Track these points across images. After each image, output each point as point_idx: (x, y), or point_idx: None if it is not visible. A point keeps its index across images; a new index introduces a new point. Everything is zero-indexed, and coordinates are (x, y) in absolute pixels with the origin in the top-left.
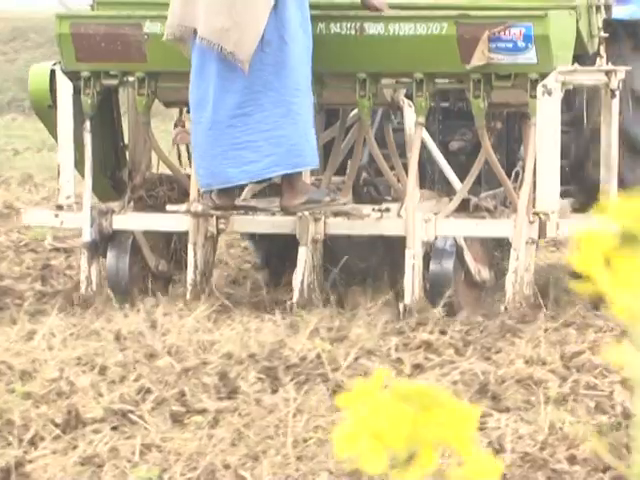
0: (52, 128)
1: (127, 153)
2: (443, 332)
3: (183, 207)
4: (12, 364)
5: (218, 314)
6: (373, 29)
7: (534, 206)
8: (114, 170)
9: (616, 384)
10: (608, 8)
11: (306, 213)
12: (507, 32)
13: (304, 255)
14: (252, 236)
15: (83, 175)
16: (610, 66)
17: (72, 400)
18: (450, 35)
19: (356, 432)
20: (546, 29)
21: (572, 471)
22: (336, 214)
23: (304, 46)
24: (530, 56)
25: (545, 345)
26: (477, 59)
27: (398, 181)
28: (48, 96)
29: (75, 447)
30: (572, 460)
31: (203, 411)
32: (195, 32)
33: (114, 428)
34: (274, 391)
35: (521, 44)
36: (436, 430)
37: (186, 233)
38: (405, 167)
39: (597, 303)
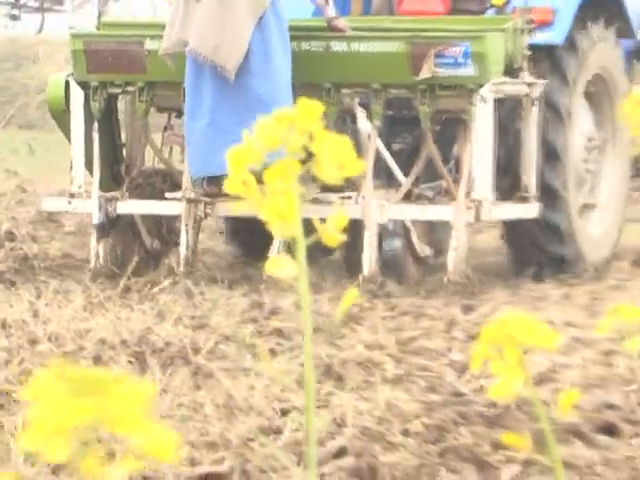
0: (66, 129)
1: (124, 150)
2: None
3: (179, 194)
4: None
5: (93, 305)
6: (337, 47)
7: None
8: (112, 164)
9: (446, 366)
10: (531, 32)
11: None
12: (450, 50)
13: (277, 241)
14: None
15: (90, 168)
16: (532, 79)
17: None
18: (402, 52)
19: (38, 422)
20: (482, 48)
21: (406, 443)
22: (306, 201)
23: (284, 59)
24: (469, 70)
25: (383, 331)
26: (425, 72)
27: None
28: (63, 102)
29: None
30: (406, 433)
31: None
32: (188, 48)
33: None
34: (142, 373)
35: (461, 60)
36: (110, 413)
37: (177, 217)
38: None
39: None
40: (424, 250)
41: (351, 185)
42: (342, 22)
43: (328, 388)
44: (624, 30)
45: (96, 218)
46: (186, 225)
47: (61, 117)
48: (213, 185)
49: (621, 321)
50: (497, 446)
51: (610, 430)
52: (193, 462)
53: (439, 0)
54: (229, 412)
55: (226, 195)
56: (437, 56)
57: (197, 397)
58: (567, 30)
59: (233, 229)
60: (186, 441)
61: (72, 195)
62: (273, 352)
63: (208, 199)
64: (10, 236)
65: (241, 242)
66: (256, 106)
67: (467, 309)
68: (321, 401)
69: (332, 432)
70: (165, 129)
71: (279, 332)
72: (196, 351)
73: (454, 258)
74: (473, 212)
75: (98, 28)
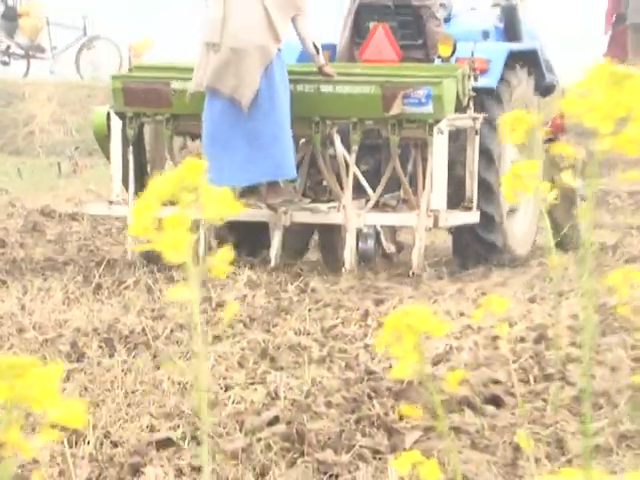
0: (107, 151)
1: (148, 166)
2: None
3: None
4: None
5: (70, 299)
6: (325, 88)
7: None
8: (141, 177)
9: (361, 349)
10: (476, 77)
11: (281, 207)
12: (415, 93)
13: (278, 236)
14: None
15: (126, 182)
16: (475, 114)
17: None
18: (376, 94)
19: None
20: (440, 91)
21: (328, 413)
22: (301, 209)
23: (284, 97)
24: (429, 108)
25: (309, 320)
26: (394, 110)
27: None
28: (105, 129)
29: None
30: (328, 405)
31: None
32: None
33: None
34: (111, 356)
35: (423, 100)
36: (33, 389)
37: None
38: (335, 179)
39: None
40: (390, 248)
41: (335, 197)
42: (330, 68)
43: (264, 368)
44: (538, 74)
45: (130, 220)
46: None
47: (103, 141)
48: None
49: (492, 311)
50: (402, 415)
51: (495, 401)
52: (153, 429)
53: (392, 51)
54: (182, 388)
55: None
56: (404, 97)
57: (156, 375)
58: (499, 76)
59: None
60: (147, 412)
61: (111, 202)
62: (218, 338)
63: None
64: (1, 243)
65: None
66: (262, 133)
67: (378, 302)
68: (258, 378)
69: (267, 404)
70: (181, 148)
71: (224, 321)
72: (155, 337)
73: (417, 255)
74: (432, 219)
75: (130, 70)
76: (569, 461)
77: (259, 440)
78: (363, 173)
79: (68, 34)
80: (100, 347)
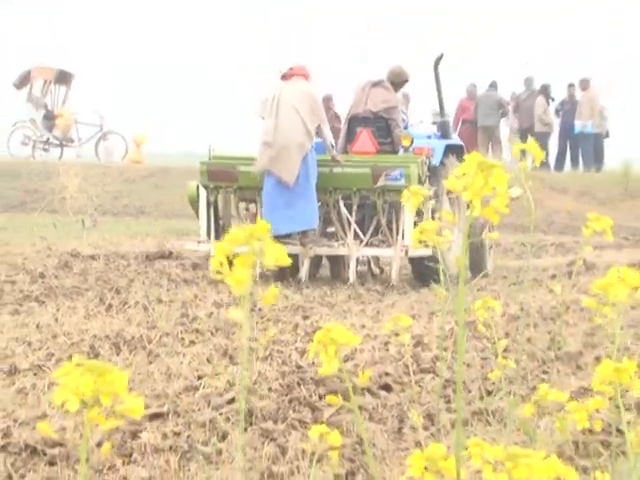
0: (196, 210)
1: (221, 221)
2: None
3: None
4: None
5: (90, 315)
6: (336, 170)
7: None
8: (215, 228)
9: (293, 350)
10: (430, 161)
11: (308, 245)
12: (393, 172)
13: (306, 264)
14: None
15: (208, 231)
16: (428, 186)
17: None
18: (368, 173)
19: (62, 387)
20: (408, 172)
21: (270, 395)
22: (321, 246)
23: (313, 175)
24: (401, 182)
25: (256, 330)
26: (380, 183)
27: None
28: (195, 195)
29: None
30: (269, 390)
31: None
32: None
33: (35, 374)
34: (117, 355)
35: (398, 177)
36: (111, 385)
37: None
38: (341, 228)
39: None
40: (376, 270)
41: (341, 238)
42: (339, 157)
43: (225, 363)
44: (462, 159)
45: (212, 253)
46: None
47: (194, 203)
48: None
49: (396, 324)
50: (322, 397)
51: (386, 388)
52: (146, 407)
53: (372, 145)
54: (168, 377)
55: (283, 240)
56: (386, 175)
57: (149, 368)
58: (439, 160)
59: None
60: (143, 394)
61: (199, 242)
62: (193, 342)
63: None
64: (41, 275)
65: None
66: (298, 199)
67: (305, 317)
68: (221, 371)
69: (227, 389)
70: (245, 210)
71: (197, 330)
72: (149, 342)
73: (395, 274)
74: (403, 252)
75: (210, 158)
76: (438, 430)
77: (221, 414)
78: (356, 222)
79: (89, 129)
80: (110, 348)
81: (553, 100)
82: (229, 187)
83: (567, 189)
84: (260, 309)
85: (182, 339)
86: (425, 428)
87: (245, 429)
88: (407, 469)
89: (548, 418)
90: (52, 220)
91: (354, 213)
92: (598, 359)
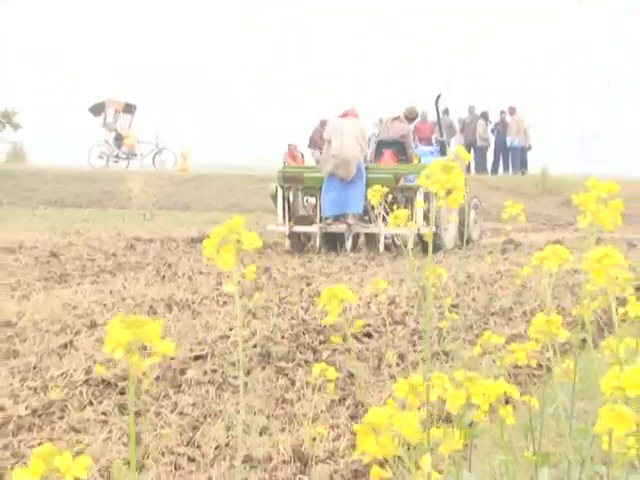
0: (275, 203)
1: (291, 209)
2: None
3: (320, 225)
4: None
5: (149, 283)
6: (371, 175)
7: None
8: (290, 215)
9: (300, 309)
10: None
11: (352, 224)
12: (409, 176)
13: (350, 239)
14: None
15: (284, 218)
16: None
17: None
18: (391, 177)
19: (110, 339)
20: (419, 176)
21: (283, 342)
22: (360, 227)
23: (363, 176)
24: (415, 183)
25: (272, 293)
26: (400, 183)
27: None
28: (275, 192)
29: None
30: (282, 337)
31: None
32: (331, 171)
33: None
34: (169, 312)
35: (412, 180)
36: (146, 334)
37: (315, 232)
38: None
39: None
40: (397, 244)
41: (374, 221)
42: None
43: (249, 318)
44: None
45: (287, 232)
46: (318, 235)
47: (274, 198)
48: (335, 220)
49: (375, 287)
50: (322, 342)
51: (368, 335)
52: (192, 350)
53: (393, 160)
54: (207, 329)
55: (333, 223)
56: (405, 178)
57: (193, 322)
58: None
59: (294, 236)
60: (187, 341)
61: (279, 224)
62: (225, 303)
63: (330, 226)
64: (113, 254)
65: (296, 244)
66: (351, 191)
67: (308, 284)
68: (245, 325)
69: (250, 337)
70: (306, 202)
71: (229, 296)
72: (193, 303)
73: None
74: (416, 231)
75: (284, 167)
76: (407, 366)
77: (246, 356)
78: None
79: (148, 146)
80: (164, 308)
81: (490, 122)
82: (297, 187)
83: (500, 187)
84: (275, 278)
85: (217, 301)
86: (397, 365)
87: (264, 367)
88: (392, 393)
89: (487, 357)
90: (121, 214)
91: (382, 204)
92: (524, 313)
